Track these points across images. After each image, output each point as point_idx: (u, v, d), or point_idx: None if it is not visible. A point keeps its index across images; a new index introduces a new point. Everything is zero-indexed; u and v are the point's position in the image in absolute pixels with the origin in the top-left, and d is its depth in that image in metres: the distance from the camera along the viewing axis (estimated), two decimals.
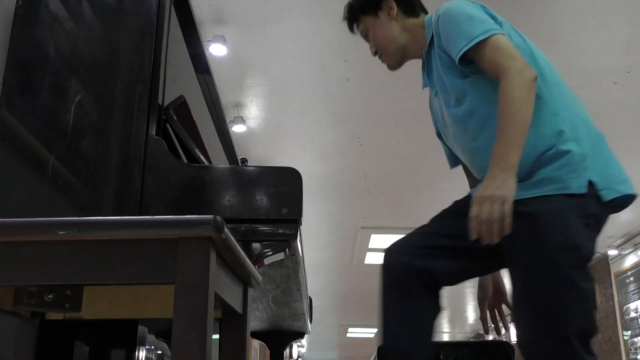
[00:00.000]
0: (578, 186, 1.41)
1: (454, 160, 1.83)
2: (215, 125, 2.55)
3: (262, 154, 5.39)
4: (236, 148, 3.16)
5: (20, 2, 1.35)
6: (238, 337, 1.25)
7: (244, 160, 2.88)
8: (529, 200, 1.43)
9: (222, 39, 3.70)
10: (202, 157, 1.87)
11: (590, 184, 1.44)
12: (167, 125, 1.65)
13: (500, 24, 1.58)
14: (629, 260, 7.42)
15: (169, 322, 0.90)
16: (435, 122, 1.81)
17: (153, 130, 1.56)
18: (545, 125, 1.49)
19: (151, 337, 1.64)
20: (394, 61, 1.78)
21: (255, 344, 8.99)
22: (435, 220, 1.68)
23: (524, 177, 1.47)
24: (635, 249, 7.25)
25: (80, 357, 1.53)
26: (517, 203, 1.41)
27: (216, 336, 1.27)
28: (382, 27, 1.76)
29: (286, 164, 1.63)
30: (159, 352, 1.74)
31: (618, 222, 6.79)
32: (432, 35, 1.66)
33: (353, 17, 1.84)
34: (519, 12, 3.51)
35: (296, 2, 3.46)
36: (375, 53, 1.81)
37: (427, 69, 1.73)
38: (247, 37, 3.78)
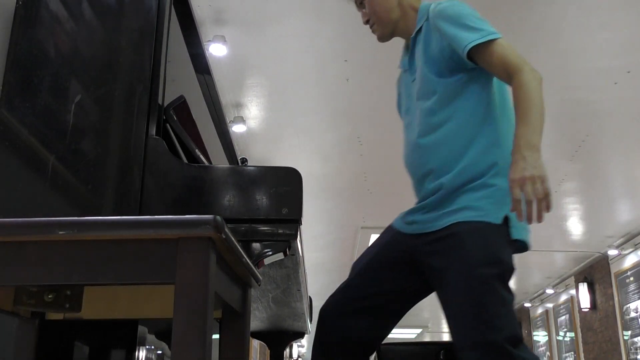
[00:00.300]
0: (496, 217, 1.51)
1: None
2: (215, 125, 2.55)
3: (262, 154, 5.39)
4: (236, 148, 3.16)
5: (20, 2, 1.35)
6: (238, 337, 1.25)
7: (244, 160, 2.88)
8: (451, 226, 1.53)
9: (222, 39, 3.70)
10: (202, 157, 1.87)
11: (506, 218, 1.53)
12: (167, 125, 1.65)
13: None
14: (629, 260, 7.42)
15: (169, 322, 0.90)
16: (399, 103, 1.87)
17: (153, 130, 1.55)
18: (484, 153, 1.58)
19: (151, 337, 1.64)
20: (386, 32, 1.81)
21: (255, 344, 8.99)
22: (363, 273, 1.70)
23: (443, 203, 1.57)
24: (635, 249, 7.25)
25: (80, 357, 1.53)
26: (441, 230, 1.54)
27: (216, 336, 1.27)
28: None
29: (286, 164, 1.63)
30: (159, 352, 1.74)
31: (618, 222, 6.80)
32: (423, 25, 1.71)
33: None
34: (519, 12, 3.51)
35: (296, 2, 3.46)
36: (367, 22, 1.83)
37: (410, 53, 1.77)
38: (247, 37, 3.78)
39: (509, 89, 1.64)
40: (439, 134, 1.62)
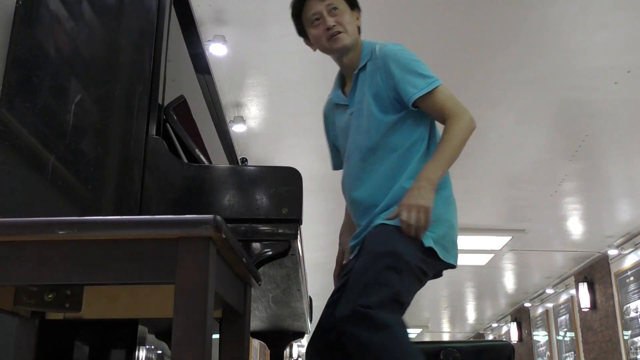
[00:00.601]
0: None
1: (337, 164, 2.09)
2: (215, 125, 2.55)
3: (262, 154, 5.38)
4: (236, 148, 3.16)
5: (21, 2, 1.35)
6: (238, 337, 1.25)
7: (244, 160, 2.88)
8: (370, 230, 1.70)
9: (222, 39, 3.69)
10: (202, 157, 1.87)
11: None
12: (167, 125, 1.65)
13: None
14: (629, 260, 7.42)
15: (169, 321, 0.90)
16: (332, 133, 2.01)
17: (153, 130, 1.55)
18: (409, 179, 1.70)
19: (151, 337, 1.64)
20: (349, 44, 1.85)
21: (255, 344, 8.99)
22: (331, 305, 1.79)
23: (370, 223, 1.72)
24: (636, 249, 7.25)
25: (80, 357, 1.53)
26: (365, 238, 1.70)
27: (216, 336, 1.27)
28: (351, 19, 1.87)
29: (286, 163, 1.63)
30: (159, 352, 1.74)
31: (618, 222, 6.80)
32: (367, 63, 1.82)
33: None
34: (518, 11, 3.51)
35: None
36: (331, 28, 1.84)
37: (352, 87, 1.87)
38: (247, 36, 3.78)
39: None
40: (383, 170, 1.76)
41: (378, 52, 1.81)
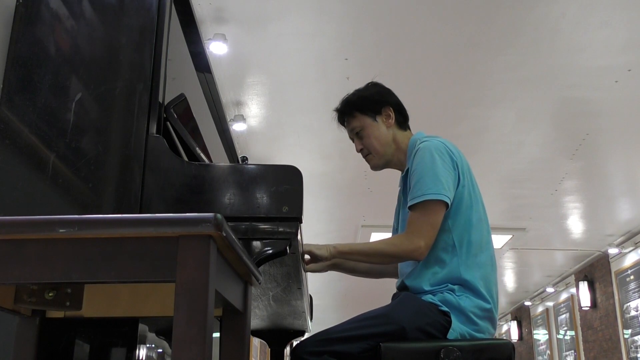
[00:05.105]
0: None
1: None
2: (216, 123, 2.55)
3: (262, 153, 5.38)
4: (236, 146, 3.16)
5: (21, 0, 1.35)
6: (238, 336, 1.25)
7: (245, 159, 2.87)
8: None
9: (222, 38, 3.69)
10: (202, 155, 1.87)
11: None
12: (168, 123, 1.65)
13: (458, 165, 1.75)
14: (630, 259, 7.42)
15: (170, 320, 0.90)
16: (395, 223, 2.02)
17: (153, 129, 1.55)
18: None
19: (152, 336, 1.64)
20: (380, 163, 1.91)
21: (255, 343, 8.99)
22: None
23: None
24: (636, 248, 7.24)
25: (80, 355, 1.53)
26: None
27: (217, 334, 1.28)
28: (378, 130, 1.88)
29: (286, 162, 1.63)
30: (160, 350, 1.74)
31: (618, 221, 6.80)
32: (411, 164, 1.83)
33: (349, 112, 1.94)
34: (519, 10, 3.51)
35: (297, 1, 3.46)
36: (360, 150, 1.92)
37: (402, 190, 1.87)
38: (248, 35, 3.78)
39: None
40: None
41: (413, 153, 1.79)
